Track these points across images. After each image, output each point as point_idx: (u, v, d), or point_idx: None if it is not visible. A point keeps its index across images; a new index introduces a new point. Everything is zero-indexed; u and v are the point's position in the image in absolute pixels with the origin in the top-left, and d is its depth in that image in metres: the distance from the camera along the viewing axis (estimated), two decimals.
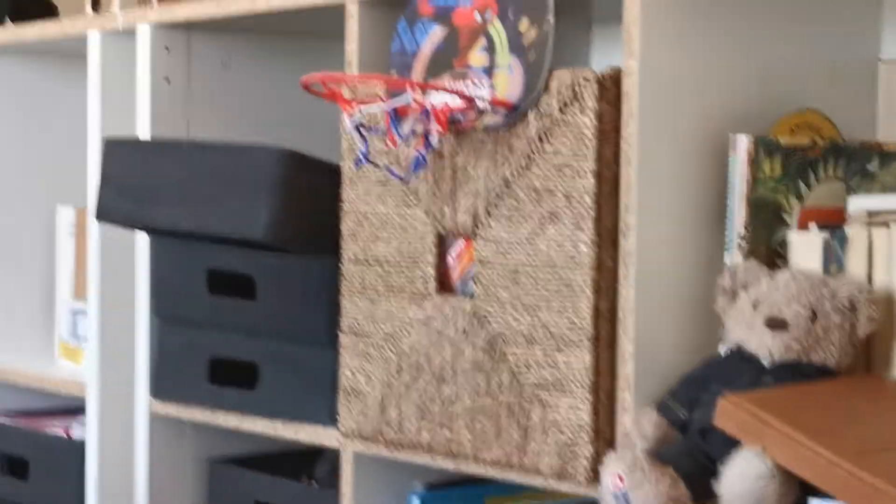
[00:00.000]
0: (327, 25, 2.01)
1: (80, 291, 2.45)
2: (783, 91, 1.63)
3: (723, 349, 1.51)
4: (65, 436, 2.38)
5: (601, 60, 2.05)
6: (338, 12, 1.85)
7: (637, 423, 1.48)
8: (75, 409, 2.40)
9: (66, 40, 2.31)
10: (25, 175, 2.56)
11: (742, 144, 1.53)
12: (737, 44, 1.60)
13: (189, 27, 2.13)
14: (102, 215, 2.03)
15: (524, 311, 1.58)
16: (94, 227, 2.20)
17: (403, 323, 1.70)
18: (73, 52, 2.43)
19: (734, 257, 1.53)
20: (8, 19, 2.63)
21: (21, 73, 2.54)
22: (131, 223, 2.01)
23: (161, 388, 2.07)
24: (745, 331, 1.47)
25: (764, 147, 1.53)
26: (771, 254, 1.55)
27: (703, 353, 1.54)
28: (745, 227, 1.53)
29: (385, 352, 1.73)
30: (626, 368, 1.52)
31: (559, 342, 1.55)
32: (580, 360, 1.54)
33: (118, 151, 2.02)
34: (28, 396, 2.54)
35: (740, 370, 1.46)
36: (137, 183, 1.98)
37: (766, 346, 1.45)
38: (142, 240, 2.12)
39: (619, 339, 1.53)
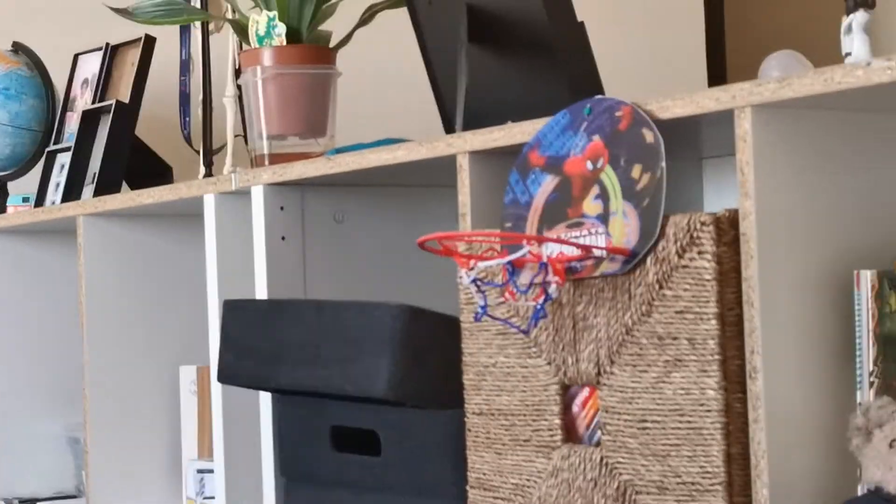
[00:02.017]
0: (437, 176, 2.02)
1: (204, 449, 2.46)
2: None
3: (861, 490, 1.48)
4: None
5: (713, 192, 2.04)
6: (448, 164, 1.86)
7: None
8: None
9: (181, 202, 2.35)
10: (147, 335, 2.58)
11: (866, 280, 1.51)
12: (852, 177, 1.58)
13: (302, 185, 2.16)
14: (225, 378, 2.04)
15: (654, 458, 1.56)
16: (216, 386, 2.22)
17: (531, 474, 1.69)
18: (189, 212, 2.46)
19: (866, 395, 1.50)
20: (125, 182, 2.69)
21: (139, 235, 2.58)
22: (254, 384, 2.02)
23: None
24: (884, 470, 1.43)
25: (889, 281, 1.51)
26: None
27: (841, 495, 1.50)
28: (875, 363, 1.50)
29: None
30: None
31: (692, 489, 1.53)
32: None
33: (238, 313, 2.04)
34: None
35: None
36: (258, 344, 1.99)
37: None
38: (265, 398, 2.13)
39: (754, 484, 1.50)
